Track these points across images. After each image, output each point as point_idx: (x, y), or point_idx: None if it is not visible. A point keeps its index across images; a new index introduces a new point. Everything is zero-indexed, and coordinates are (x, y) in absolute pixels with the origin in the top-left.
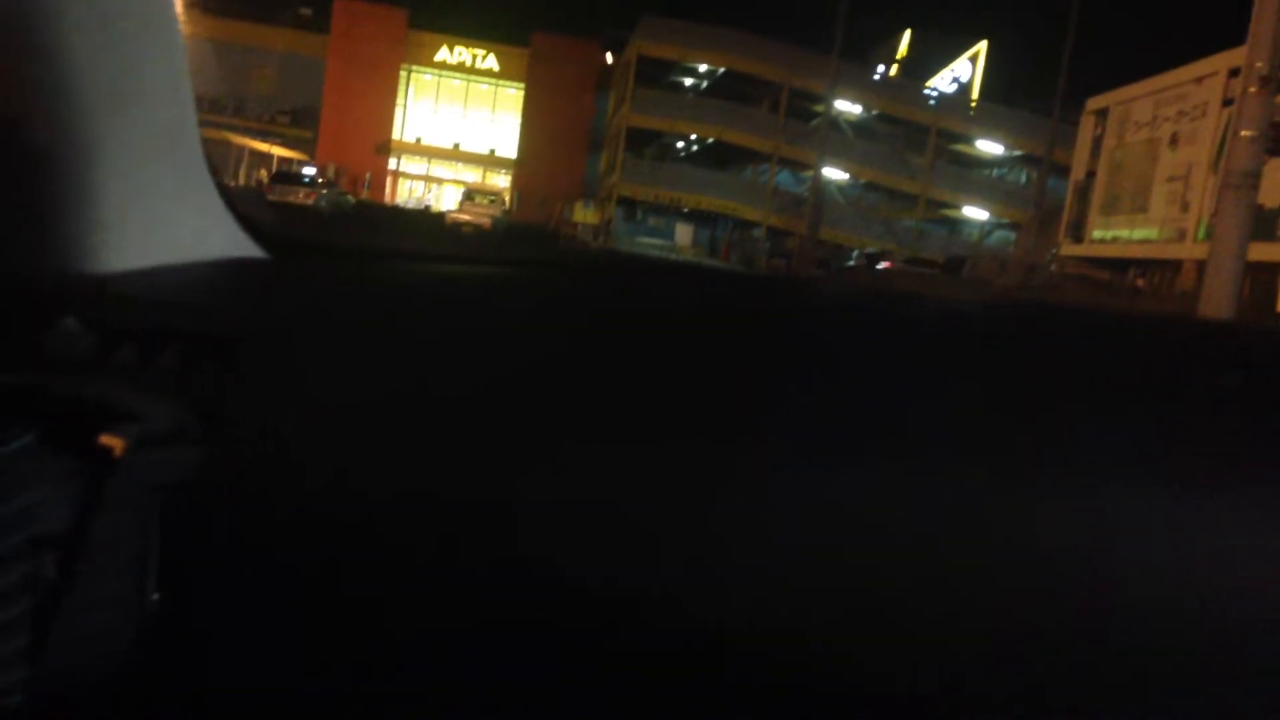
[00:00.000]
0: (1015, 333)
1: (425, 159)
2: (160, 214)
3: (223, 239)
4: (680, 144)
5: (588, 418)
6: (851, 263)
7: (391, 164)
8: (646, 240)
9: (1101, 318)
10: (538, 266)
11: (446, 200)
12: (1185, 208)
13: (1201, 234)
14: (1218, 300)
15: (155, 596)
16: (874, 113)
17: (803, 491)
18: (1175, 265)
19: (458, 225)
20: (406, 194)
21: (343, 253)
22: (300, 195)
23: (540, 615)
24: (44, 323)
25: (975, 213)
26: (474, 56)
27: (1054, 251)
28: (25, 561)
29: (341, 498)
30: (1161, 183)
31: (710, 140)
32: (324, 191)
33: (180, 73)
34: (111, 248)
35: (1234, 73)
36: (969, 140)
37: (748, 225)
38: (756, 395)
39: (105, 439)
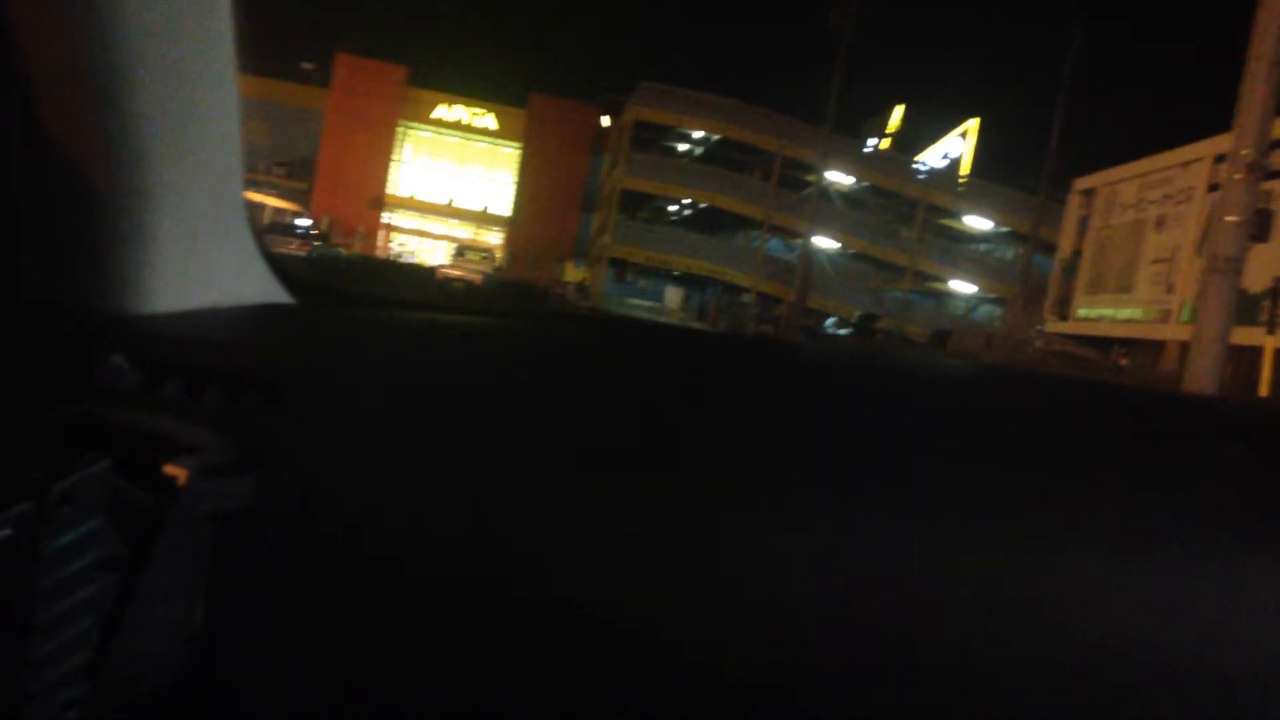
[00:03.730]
0: (1019, 398)
1: (419, 214)
2: (204, 259)
3: (257, 284)
4: (673, 208)
5: (612, 459)
6: (830, 329)
7: (385, 218)
8: (636, 301)
9: (1104, 386)
10: (548, 318)
11: (438, 255)
12: (1170, 289)
13: (1185, 316)
14: (1201, 382)
15: (201, 620)
16: (864, 184)
17: (808, 545)
18: (1159, 346)
19: (449, 280)
20: (399, 248)
21: (363, 300)
22: (293, 246)
23: (557, 651)
24: (93, 358)
25: (962, 286)
26: (472, 115)
27: (1039, 328)
28: (89, 584)
29: (380, 530)
30: (1146, 264)
31: (703, 205)
32: (317, 244)
33: (233, 127)
34: (158, 289)
35: (1219, 159)
36: (957, 215)
37: (737, 290)
38: (755, 446)
39: (169, 468)
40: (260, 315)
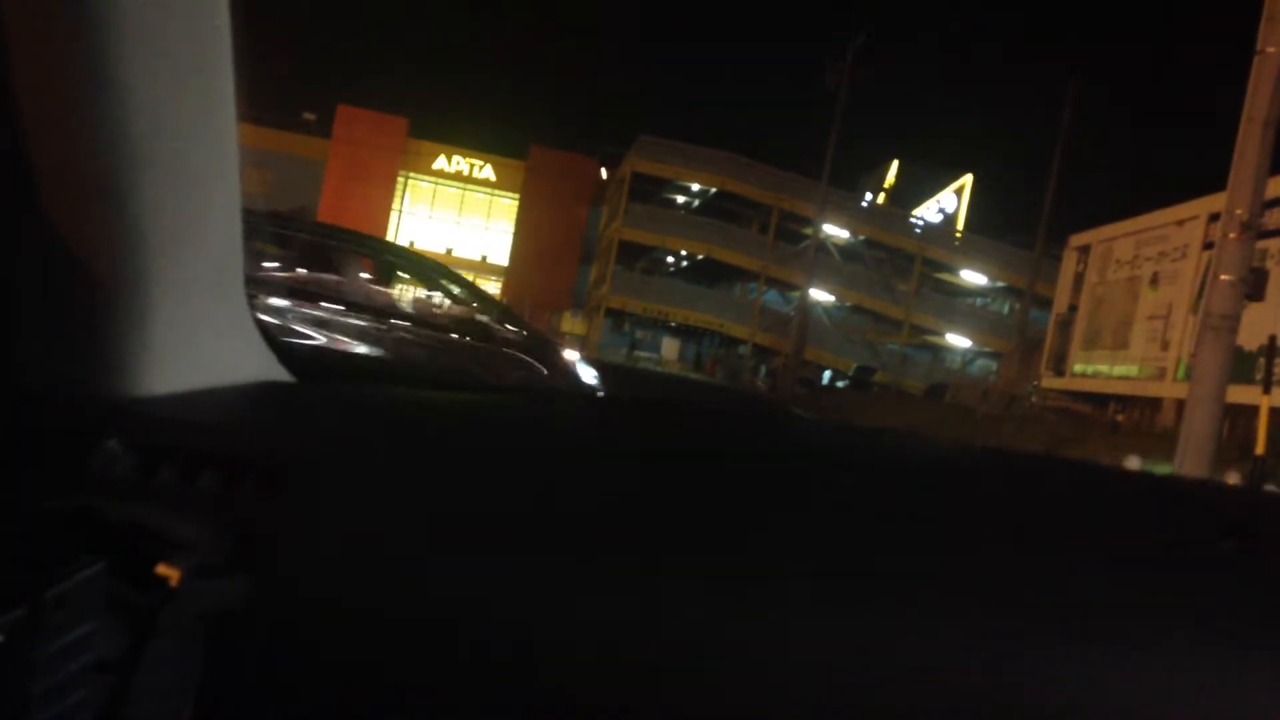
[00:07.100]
0: (1016, 482)
1: None
2: (201, 340)
3: (255, 363)
4: (670, 259)
5: (618, 547)
6: (828, 381)
7: None
8: (633, 352)
9: (1102, 472)
10: (552, 396)
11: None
12: (1165, 346)
13: (1181, 373)
14: (1197, 440)
15: (191, 719)
16: (861, 238)
17: (810, 635)
18: (1155, 403)
19: None
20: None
21: (363, 376)
22: None
23: None
24: (88, 445)
25: (958, 340)
26: (471, 166)
27: (1035, 383)
28: (83, 688)
29: (379, 624)
30: (1142, 321)
31: (700, 257)
32: None
33: (235, 212)
34: (156, 372)
35: (1214, 217)
36: (953, 269)
37: (734, 342)
38: (755, 527)
39: (163, 569)
40: (258, 394)
